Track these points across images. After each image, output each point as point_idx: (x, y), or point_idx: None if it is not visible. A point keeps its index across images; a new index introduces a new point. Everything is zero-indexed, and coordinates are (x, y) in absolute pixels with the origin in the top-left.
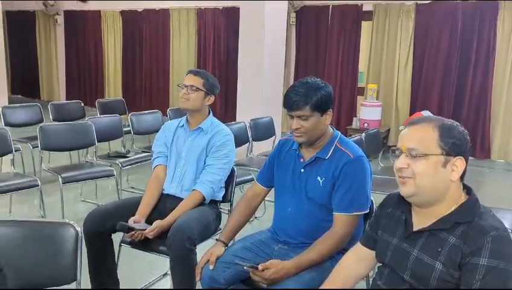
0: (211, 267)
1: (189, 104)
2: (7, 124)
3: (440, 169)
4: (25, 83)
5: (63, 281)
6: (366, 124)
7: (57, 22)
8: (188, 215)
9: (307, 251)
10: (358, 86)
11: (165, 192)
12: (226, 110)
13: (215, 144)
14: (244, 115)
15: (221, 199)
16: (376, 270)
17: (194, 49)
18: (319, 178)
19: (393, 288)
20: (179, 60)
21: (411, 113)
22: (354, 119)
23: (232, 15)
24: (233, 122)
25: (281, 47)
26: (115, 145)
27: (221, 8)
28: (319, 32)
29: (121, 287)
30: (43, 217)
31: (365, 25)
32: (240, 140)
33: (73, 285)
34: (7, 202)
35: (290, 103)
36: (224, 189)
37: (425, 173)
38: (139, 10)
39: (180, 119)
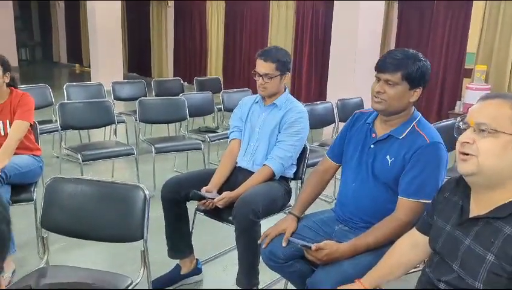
0: (284, 244)
1: (268, 91)
2: (116, 98)
3: (510, 151)
4: (140, 62)
5: (132, 238)
6: None
7: (168, 5)
8: (255, 189)
9: (364, 235)
10: (465, 67)
11: (238, 165)
12: (320, 95)
13: (288, 121)
14: (334, 95)
15: (292, 176)
16: None
17: (292, 33)
18: (388, 157)
19: (439, 277)
20: (276, 43)
21: None
22: (458, 103)
23: None
24: (318, 102)
25: (377, 25)
26: (209, 121)
27: None
28: (423, 8)
29: (194, 252)
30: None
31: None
32: (326, 120)
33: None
34: (110, 167)
35: (382, 64)
36: (295, 166)
37: (492, 152)
38: None
39: (256, 95)
